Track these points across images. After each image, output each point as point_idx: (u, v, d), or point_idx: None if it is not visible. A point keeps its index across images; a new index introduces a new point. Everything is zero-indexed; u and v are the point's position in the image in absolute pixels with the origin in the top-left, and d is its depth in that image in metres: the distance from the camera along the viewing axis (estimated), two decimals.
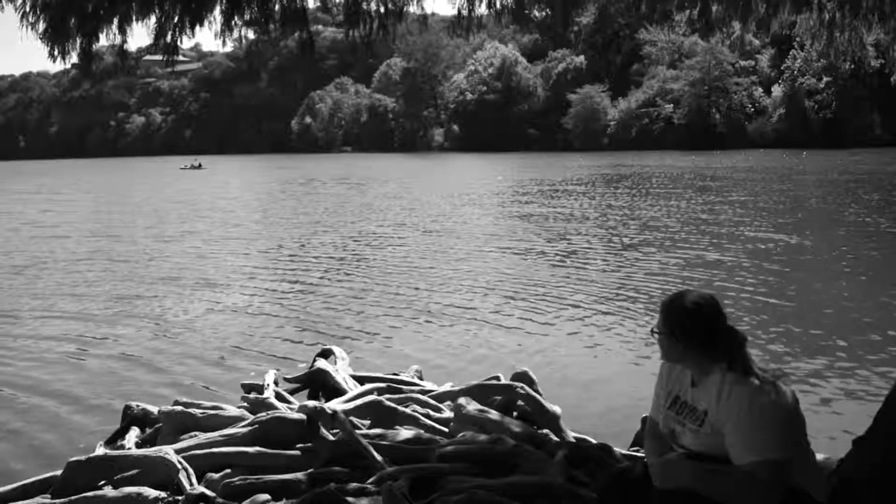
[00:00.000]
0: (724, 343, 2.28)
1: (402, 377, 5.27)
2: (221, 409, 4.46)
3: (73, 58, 4.31)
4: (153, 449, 3.85)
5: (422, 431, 4.10)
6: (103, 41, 4.24)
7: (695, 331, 2.28)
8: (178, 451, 3.74)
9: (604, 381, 6.32)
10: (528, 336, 7.75)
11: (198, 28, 4.25)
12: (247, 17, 4.32)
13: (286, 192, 32.94)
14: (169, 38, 4.24)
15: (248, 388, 5.05)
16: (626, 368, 6.63)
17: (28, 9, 3.99)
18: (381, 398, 4.43)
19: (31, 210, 26.74)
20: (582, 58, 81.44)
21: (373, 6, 4.37)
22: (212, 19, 4.24)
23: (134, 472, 3.63)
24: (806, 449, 2.30)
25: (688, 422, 2.34)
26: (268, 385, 4.88)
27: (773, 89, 64.32)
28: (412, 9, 4.46)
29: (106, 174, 59.87)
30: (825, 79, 58.96)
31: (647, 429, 2.59)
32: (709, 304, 2.32)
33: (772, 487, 2.15)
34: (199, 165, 59.77)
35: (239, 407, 4.55)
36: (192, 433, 4.15)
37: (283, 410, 4.13)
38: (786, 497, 2.19)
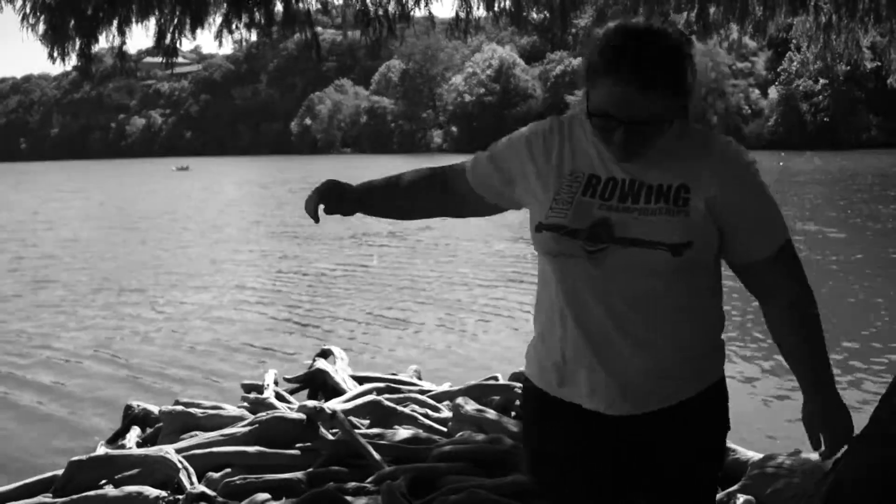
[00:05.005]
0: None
1: (401, 377, 5.27)
2: (221, 408, 4.47)
3: (73, 59, 4.33)
4: (154, 448, 3.86)
5: (420, 431, 4.11)
6: (103, 43, 4.26)
7: (687, 72, 1.60)
8: (178, 451, 3.75)
9: None
10: (527, 336, 7.72)
11: (198, 30, 4.27)
12: (246, 19, 4.34)
13: (283, 194, 32.91)
14: (168, 40, 4.27)
15: (248, 388, 5.05)
16: None
17: (28, 10, 4.01)
18: (380, 398, 4.44)
19: (30, 209, 26.76)
20: (580, 60, 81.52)
21: (380, 10, 4.40)
22: (211, 21, 4.26)
23: (135, 471, 3.64)
24: None
25: (648, 205, 1.59)
26: (268, 385, 4.88)
27: (769, 91, 64.47)
28: (418, 12, 4.51)
29: (103, 175, 59.81)
30: (821, 81, 59.08)
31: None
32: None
33: (800, 265, 1.70)
34: (187, 167, 68.72)
35: (239, 407, 4.56)
36: (193, 433, 4.16)
37: (283, 410, 4.14)
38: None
